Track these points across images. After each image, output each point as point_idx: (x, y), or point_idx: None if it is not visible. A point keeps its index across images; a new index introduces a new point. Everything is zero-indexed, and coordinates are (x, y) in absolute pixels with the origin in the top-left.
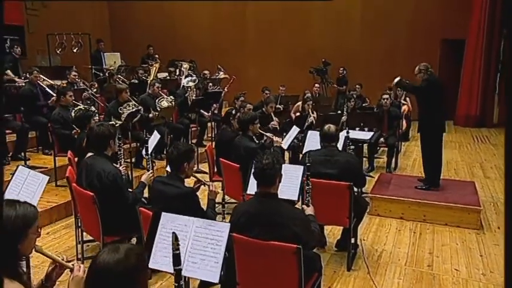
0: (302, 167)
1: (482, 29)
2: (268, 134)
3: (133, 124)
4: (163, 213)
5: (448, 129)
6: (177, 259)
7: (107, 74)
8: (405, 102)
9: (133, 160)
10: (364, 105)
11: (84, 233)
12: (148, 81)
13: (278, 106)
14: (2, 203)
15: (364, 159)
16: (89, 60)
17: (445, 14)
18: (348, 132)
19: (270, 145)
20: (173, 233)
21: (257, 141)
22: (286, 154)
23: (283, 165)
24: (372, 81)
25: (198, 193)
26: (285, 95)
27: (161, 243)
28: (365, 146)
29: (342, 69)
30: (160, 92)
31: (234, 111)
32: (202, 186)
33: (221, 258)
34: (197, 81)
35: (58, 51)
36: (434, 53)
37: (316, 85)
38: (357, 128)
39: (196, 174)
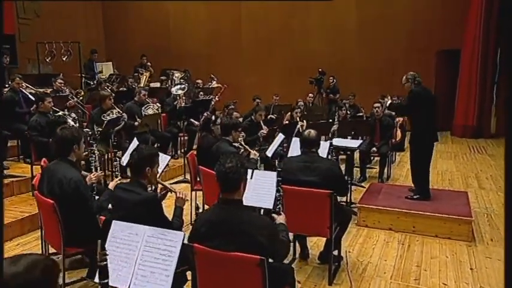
0: (276, 173)
1: (477, 39)
2: (246, 146)
3: (118, 132)
4: (114, 221)
5: (444, 139)
6: (104, 272)
7: (95, 82)
8: None
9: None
10: (358, 114)
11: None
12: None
13: (271, 116)
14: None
15: (356, 169)
16: (80, 69)
17: (441, 24)
18: (331, 139)
19: (245, 155)
20: (99, 241)
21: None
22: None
23: (257, 172)
24: (368, 91)
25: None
26: (278, 104)
27: (110, 255)
28: (356, 155)
29: (332, 78)
30: (146, 99)
31: (213, 118)
32: (169, 193)
33: (172, 271)
34: (186, 89)
35: (47, 60)
36: (430, 63)
37: (310, 94)
38: (349, 137)
39: (165, 182)
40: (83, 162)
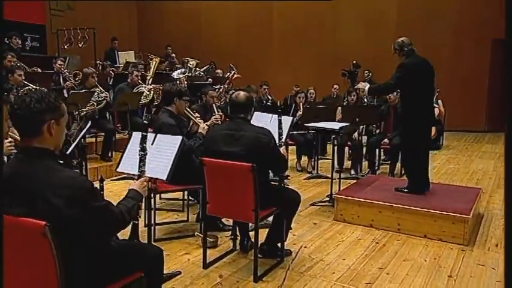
0: (180, 138)
1: None
2: (196, 115)
3: (101, 111)
4: None
5: (495, 140)
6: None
7: (100, 67)
8: (435, 105)
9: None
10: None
11: None
12: (148, 76)
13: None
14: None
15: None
16: (95, 56)
17: (497, 9)
18: (268, 103)
19: (195, 130)
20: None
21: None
22: None
23: (161, 137)
24: None
25: None
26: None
27: None
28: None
29: (367, 71)
30: (139, 81)
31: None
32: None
33: None
34: (186, 72)
35: (66, 47)
36: (484, 55)
37: (335, 86)
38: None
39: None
40: None
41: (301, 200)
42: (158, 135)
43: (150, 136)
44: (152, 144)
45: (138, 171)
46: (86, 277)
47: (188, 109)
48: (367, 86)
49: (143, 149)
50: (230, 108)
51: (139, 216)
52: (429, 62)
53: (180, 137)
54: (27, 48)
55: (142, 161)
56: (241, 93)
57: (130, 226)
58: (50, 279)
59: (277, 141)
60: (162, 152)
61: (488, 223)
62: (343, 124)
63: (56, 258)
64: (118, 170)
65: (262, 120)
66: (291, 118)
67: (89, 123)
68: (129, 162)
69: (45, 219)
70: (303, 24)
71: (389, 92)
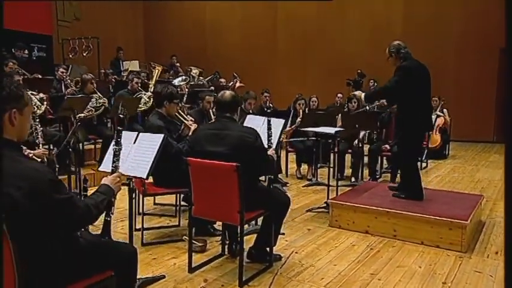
0: (162, 136)
1: None
2: (189, 119)
3: (99, 117)
4: None
5: (503, 150)
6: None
7: (103, 75)
8: (441, 114)
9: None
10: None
11: None
12: (150, 84)
13: None
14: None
15: (365, 169)
16: (98, 65)
17: (504, 18)
18: (268, 111)
19: (186, 133)
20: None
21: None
22: None
23: (143, 135)
24: None
25: None
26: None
27: None
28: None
29: (372, 81)
30: (139, 88)
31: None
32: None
33: None
34: (187, 80)
35: (71, 56)
36: (491, 65)
37: (339, 95)
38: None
39: None
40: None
41: (290, 203)
42: (140, 133)
43: (132, 135)
44: (134, 143)
45: (112, 167)
46: (47, 272)
47: (180, 112)
48: (362, 94)
49: (117, 143)
50: (216, 107)
51: (112, 213)
52: (426, 66)
53: (162, 135)
54: (34, 58)
55: (116, 156)
56: (227, 92)
57: (102, 223)
58: (7, 273)
59: (266, 143)
60: (143, 150)
61: (490, 231)
62: (339, 129)
63: (12, 251)
64: (100, 169)
65: (254, 123)
66: (283, 121)
67: (78, 124)
68: (131, 164)
69: (6, 212)
70: (308, 33)
71: (387, 96)
